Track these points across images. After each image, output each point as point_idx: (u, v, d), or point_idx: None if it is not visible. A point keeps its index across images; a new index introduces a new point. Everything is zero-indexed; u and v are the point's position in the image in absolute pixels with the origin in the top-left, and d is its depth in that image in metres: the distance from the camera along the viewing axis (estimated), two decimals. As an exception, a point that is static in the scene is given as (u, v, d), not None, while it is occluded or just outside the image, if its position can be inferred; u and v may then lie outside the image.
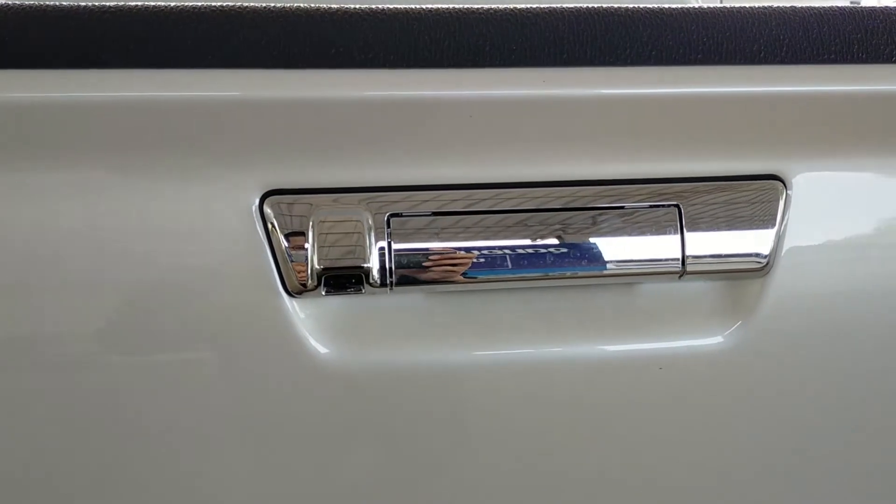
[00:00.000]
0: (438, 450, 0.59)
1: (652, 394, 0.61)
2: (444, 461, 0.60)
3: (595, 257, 0.59)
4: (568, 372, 0.60)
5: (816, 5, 0.62)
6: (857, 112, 0.60)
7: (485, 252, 0.58)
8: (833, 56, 0.61)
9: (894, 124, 0.61)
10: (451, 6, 0.57)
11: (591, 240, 0.59)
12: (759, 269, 0.61)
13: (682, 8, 0.60)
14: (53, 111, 0.53)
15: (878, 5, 0.64)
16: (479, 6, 0.58)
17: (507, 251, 0.58)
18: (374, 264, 0.56)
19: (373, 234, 0.56)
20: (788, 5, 0.63)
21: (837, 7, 0.62)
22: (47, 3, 0.54)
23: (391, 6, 0.56)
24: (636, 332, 0.61)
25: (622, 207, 0.59)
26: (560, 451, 0.61)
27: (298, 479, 0.58)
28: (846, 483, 0.65)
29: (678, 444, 0.62)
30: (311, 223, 0.56)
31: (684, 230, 0.59)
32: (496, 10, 0.57)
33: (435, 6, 0.57)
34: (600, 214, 0.59)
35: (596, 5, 0.60)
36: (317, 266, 0.56)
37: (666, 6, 0.60)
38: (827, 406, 0.63)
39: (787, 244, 0.61)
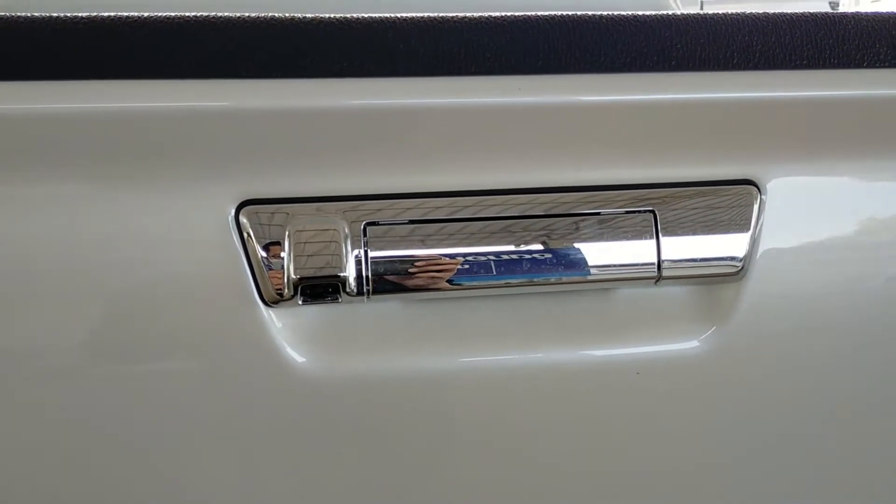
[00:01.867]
0: (416, 457, 0.60)
1: (629, 398, 0.61)
2: (421, 468, 0.60)
3: (572, 263, 0.59)
4: (546, 378, 0.60)
5: (789, 11, 0.63)
6: (831, 117, 0.61)
7: (462, 260, 0.58)
8: (805, 62, 0.61)
9: (867, 129, 0.62)
10: (426, 14, 0.57)
11: (568, 246, 0.59)
12: (734, 273, 0.61)
13: (656, 15, 0.60)
14: (26, 123, 0.53)
15: (851, 10, 0.64)
16: (455, 14, 0.58)
17: (484, 259, 0.58)
18: (350, 273, 0.56)
19: (349, 243, 0.56)
20: (762, 11, 0.63)
21: (810, 13, 0.63)
22: (17, 14, 0.54)
23: (366, 15, 0.56)
24: (613, 338, 0.61)
25: (598, 214, 0.60)
26: (539, 456, 0.61)
27: (273, 488, 0.58)
28: (823, 484, 0.66)
29: (656, 447, 0.62)
30: (286, 232, 0.56)
31: (660, 235, 0.60)
32: (472, 18, 0.57)
33: (411, 14, 0.57)
34: (577, 221, 0.59)
35: (572, 13, 0.60)
36: (293, 275, 0.56)
37: (641, 13, 0.61)
38: (803, 409, 0.64)
39: (762, 248, 0.61)
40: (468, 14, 0.57)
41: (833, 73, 0.61)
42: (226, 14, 0.55)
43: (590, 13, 0.60)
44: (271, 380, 0.56)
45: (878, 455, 0.66)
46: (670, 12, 0.61)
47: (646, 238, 0.60)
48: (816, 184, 0.62)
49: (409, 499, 0.60)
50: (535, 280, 0.59)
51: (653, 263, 0.60)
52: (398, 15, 0.57)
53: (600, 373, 0.61)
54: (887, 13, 0.63)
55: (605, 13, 0.60)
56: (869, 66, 0.62)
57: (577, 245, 0.59)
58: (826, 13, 0.63)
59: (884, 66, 0.62)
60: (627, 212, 0.60)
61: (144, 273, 0.54)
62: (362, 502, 0.59)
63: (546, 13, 0.59)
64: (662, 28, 0.60)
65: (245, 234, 0.55)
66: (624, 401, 0.61)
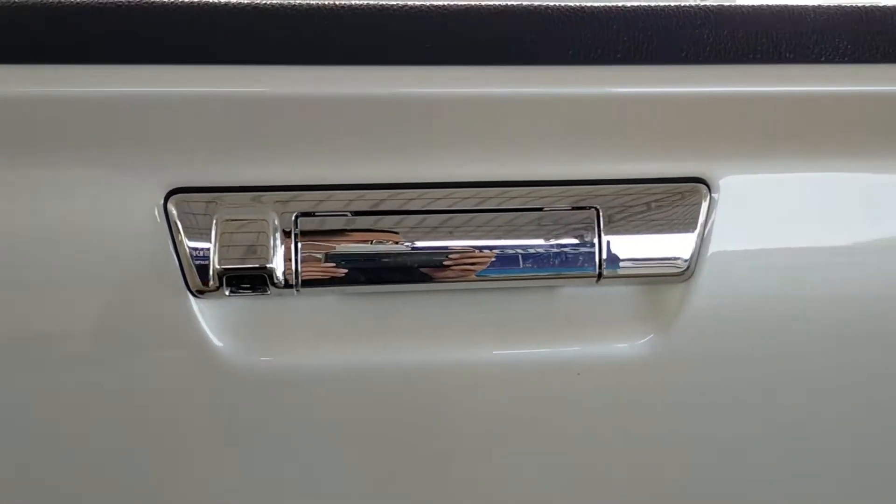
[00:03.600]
0: (340, 451, 0.58)
1: (570, 399, 0.60)
2: (343, 462, 0.59)
3: (510, 260, 0.58)
4: (479, 375, 0.58)
5: (744, 3, 0.61)
6: (783, 114, 0.59)
7: (394, 254, 0.57)
8: (759, 56, 0.59)
9: (819, 126, 0.59)
10: (354, 2, 0.56)
11: (507, 243, 0.58)
12: (679, 274, 0.59)
13: (604, 6, 0.59)
14: None
15: (810, 3, 0.62)
16: (384, 2, 0.57)
17: (417, 253, 0.57)
18: (278, 264, 0.55)
19: (279, 234, 0.55)
20: (716, 4, 0.61)
21: (766, 6, 0.61)
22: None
23: (293, 2, 0.55)
24: (554, 337, 0.60)
25: (540, 210, 0.58)
26: (472, 456, 0.60)
27: (196, 480, 0.58)
28: (764, 489, 0.63)
29: (595, 448, 0.61)
30: (215, 222, 0.55)
31: (602, 234, 0.58)
32: (398, 7, 0.56)
33: (338, 2, 0.56)
34: (517, 217, 0.58)
35: (514, 3, 0.58)
36: (220, 266, 0.55)
37: (588, 4, 0.59)
38: (745, 415, 0.61)
39: (710, 249, 0.59)
40: (397, 2, 0.56)
41: (785, 67, 0.59)
42: (156, -1, 0.55)
43: (534, 4, 0.58)
44: (197, 370, 0.56)
45: (820, 458, 0.63)
46: (616, 4, 0.59)
47: (588, 236, 0.58)
48: (768, 182, 0.60)
49: (331, 489, 0.59)
50: (471, 276, 0.58)
51: (594, 263, 0.58)
52: (328, 3, 0.56)
53: (540, 373, 0.59)
54: (848, 6, 0.61)
55: (552, 4, 0.58)
56: (827, 62, 0.60)
57: (516, 242, 0.57)
58: (782, 5, 0.60)
59: (842, 62, 0.60)
60: (570, 209, 0.58)
61: (70, 261, 0.54)
62: (284, 492, 0.58)
63: (489, 3, 0.58)
64: (609, 20, 0.58)
65: (173, 223, 0.55)
66: (564, 401, 0.60)
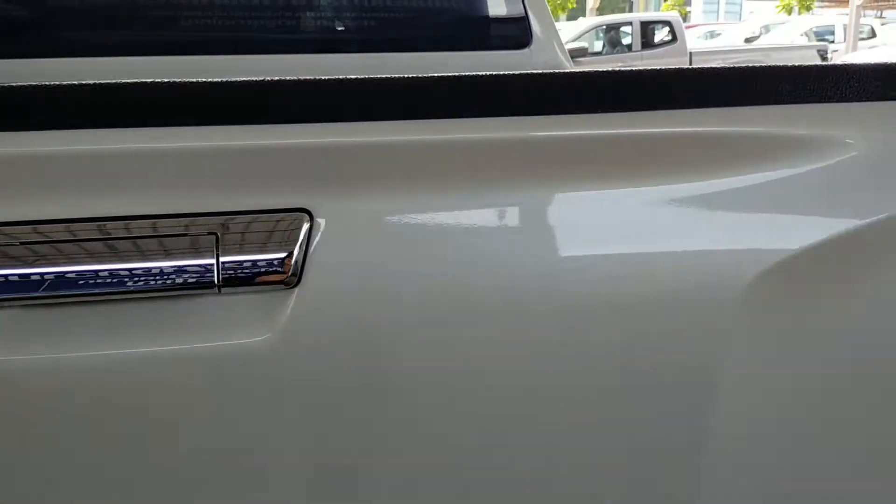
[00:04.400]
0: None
1: (200, 390, 0.74)
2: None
3: (134, 276, 0.72)
4: (127, 374, 0.73)
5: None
6: (376, 159, 0.75)
7: (24, 272, 0.71)
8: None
9: (399, 169, 0.75)
10: None
11: (134, 263, 0.72)
12: (287, 283, 0.74)
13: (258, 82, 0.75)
14: None
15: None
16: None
17: (52, 274, 0.71)
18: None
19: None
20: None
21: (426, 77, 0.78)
22: None
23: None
24: (186, 339, 0.74)
25: (177, 235, 0.73)
26: (80, 456, 0.73)
27: None
28: (363, 464, 0.78)
29: (223, 432, 0.75)
30: None
31: (220, 254, 0.73)
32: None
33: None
34: (146, 240, 0.73)
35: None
36: None
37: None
38: (351, 397, 0.76)
39: (312, 264, 0.75)
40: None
41: (373, 125, 0.75)
42: None
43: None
44: None
45: (422, 443, 0.78)
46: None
47: (209, 256, 0.73)
48: (358, 213, 0.76)
49: None
50: (117, 290, 0.72)
51: (213, 277, 0.73)
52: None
53: (163, 375, 0.73)
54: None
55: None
56: (405, 118, 0.76)
57: (139, 263, 0.73)
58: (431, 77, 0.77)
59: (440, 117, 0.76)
60: (193, 235, 0.73)
61: None
62: None
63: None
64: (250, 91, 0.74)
65: None
66: (195, 392, 0.74)
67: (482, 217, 0.78)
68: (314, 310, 0.75)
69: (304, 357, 0.75)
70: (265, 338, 0.74)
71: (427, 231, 0.76)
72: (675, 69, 0.83)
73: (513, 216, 0.78)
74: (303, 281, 0.75)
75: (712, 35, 21.25)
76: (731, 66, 0.84)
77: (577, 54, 11.61)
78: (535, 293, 0.77)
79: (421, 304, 0.76)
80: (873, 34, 18.74)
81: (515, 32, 1.99)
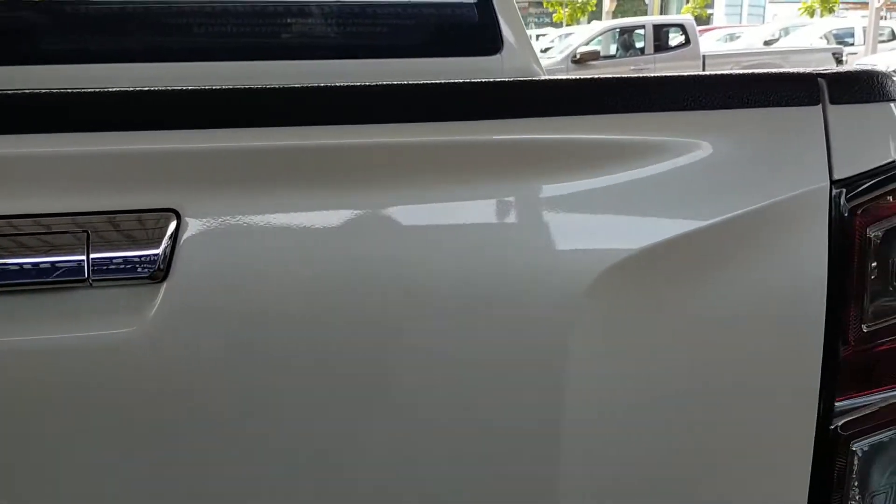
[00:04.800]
0: None
1: (59, 388, 0.80)
2: None
3: (2, 272, 0.79)
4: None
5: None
6: (239, 162, 0.82)
7: None
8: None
9: (259, 170, 0.82)
10: None
11: (5, 259, 0.79)
12: (151, 282, 0.81)
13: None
14: None
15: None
16: None
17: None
18: None
19: None
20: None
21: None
22: None
23: None
24: (49, 333, 0.80)
25: (40, 233, 0.80)
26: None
27: None
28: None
29: (77, 439, 0.81)
30: None
31: (90, 251, 0.80)
32: None
33: None
34: (23, 237, 0.79)
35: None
36: None
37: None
38: (220, 382, 0.82)
39: (178, 263, 0.81)
40: None
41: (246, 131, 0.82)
42: None
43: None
44: None
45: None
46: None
47: (80, 252, 0.80)
48: (223, 212, 0.82)
49: None
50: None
51: (84, 273, 0.80)
52: None
53: (36, 365, 0.80)
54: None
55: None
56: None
57: (16, 259, 0.79)
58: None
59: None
60: (67, 232, 0.80)
61: None
62: None
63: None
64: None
65: None
66: (59, 387, 0.80)
67: (339, 216, 0.84)
68: (181, 303, 0.81)
69: (171, 347, 0.81)
70: (134, 329, 0.81)
71: (288, 229, 0.83)
72: (529, 81, 0.89)
73: (367, 217, 0.84)
74: (170, 276, 0.81)
75: (732, 38, 21.16)
76: (592, 77, 0.90)
77: (588, 58, 11.65)
78: (385, 290, 0.83)
79: (281, 298, 0.82)
80: (893, 36, 18.57)
81: (485, 38, 2.03)
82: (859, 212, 0.91)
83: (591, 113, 0.88)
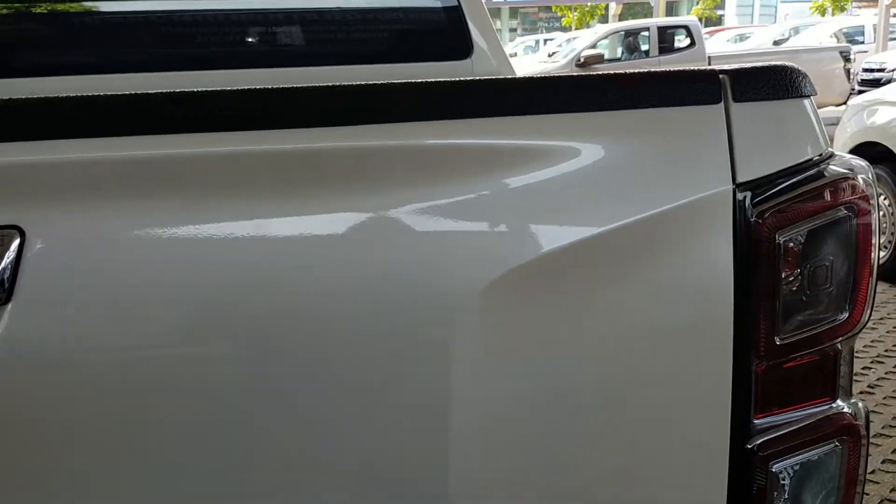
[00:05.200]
0: None
1: None
2: None
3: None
4: None
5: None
6: (84, 176, 0.77)
7: None
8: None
9: (121, 186, 0.77)
10: None
11: None
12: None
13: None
14: None
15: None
16: None
17: None
18: None
19: None
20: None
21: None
22: None
23: None
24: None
25: None
26: None
27: None
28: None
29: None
30: None
31: None
32: None
33: None
34: None
35: None
36: None
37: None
38: (94, 404, 0.77)
39: (22, 283, 0.76)
40: None
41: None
42: None
43: None
44: None
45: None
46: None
47: None
48: (70, 230, 0.77)
49: None
50: None
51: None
52: None
53: None
54: None
55: None
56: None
57: None
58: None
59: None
60: None
61: None
62: None
63: None
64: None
65: None
66: None
67: (202, 229, 0.78)
68: (26, 324, 0.76)
69: (18, 371, 0.76)
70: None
71: (146, 243, 0.77)
72: (403, 84, 0.83)
73: (235, 226, 0.79)
74: (14, 297, 0.76)
75: (742, 38, 21.00)
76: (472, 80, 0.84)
77: (593, 61, 11.58)
78: (259, 300, 0.78)
79: (137, 319, 0.77)
80: (905, 33, 18.33)
81: (455, 43, 1.99)
82: (766, 216, 0.84)
83: (470, 116, 0.82)
